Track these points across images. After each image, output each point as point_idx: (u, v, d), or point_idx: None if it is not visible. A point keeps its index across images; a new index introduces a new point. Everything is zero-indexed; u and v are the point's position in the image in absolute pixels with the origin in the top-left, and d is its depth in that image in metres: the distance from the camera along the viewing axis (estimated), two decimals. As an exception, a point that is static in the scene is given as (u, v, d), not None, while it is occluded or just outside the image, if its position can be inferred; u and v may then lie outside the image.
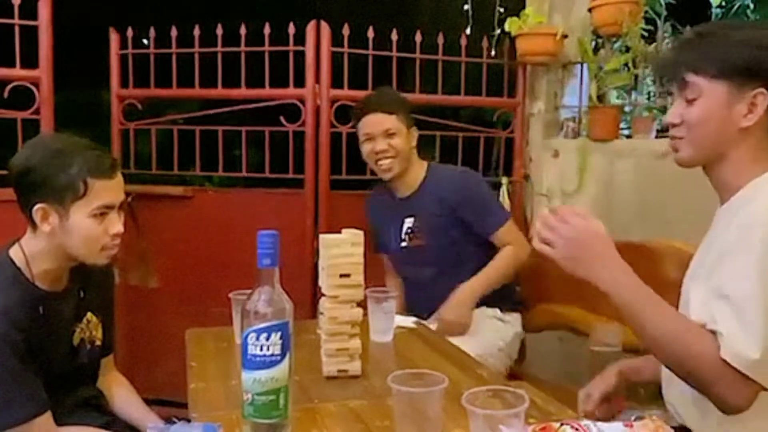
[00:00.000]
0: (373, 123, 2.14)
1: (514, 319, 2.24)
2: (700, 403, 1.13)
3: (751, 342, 1.04)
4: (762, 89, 1.15)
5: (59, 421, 1.38)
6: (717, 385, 1.06)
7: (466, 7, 2.93)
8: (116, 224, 1.39)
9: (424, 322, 1.99)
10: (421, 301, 2.18)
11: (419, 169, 2.22)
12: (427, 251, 2.18)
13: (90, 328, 1.51)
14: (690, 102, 1.20)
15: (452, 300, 2.06)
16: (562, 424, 0.92)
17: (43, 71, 2.46)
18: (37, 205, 1.33)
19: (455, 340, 1.73)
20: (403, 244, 2.22)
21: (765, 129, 1.18)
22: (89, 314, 1.51)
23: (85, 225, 1.35)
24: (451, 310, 2.05)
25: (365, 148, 2.18)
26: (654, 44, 2.54)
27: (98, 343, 1.53)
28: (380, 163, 2.15)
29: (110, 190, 1.37)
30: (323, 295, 1.36)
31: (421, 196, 2.19)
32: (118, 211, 1.40)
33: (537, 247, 1.21)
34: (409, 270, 2.26)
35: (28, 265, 1.38)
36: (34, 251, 1.38)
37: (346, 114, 2.76)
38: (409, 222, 2.20)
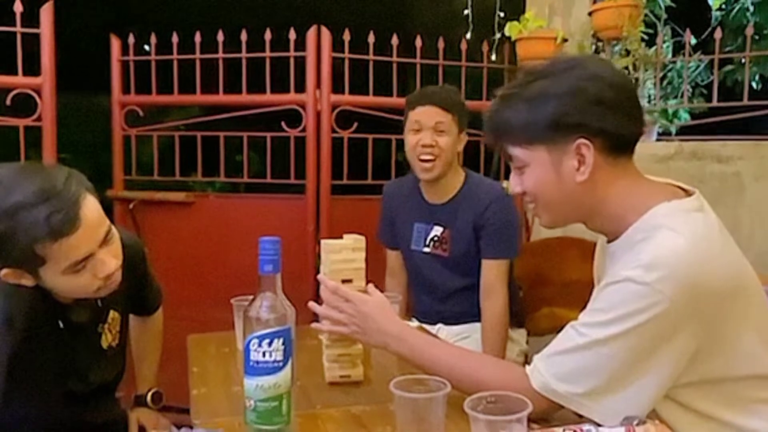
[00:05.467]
0: (425, 114, 1.98)
1: (520, 336, 2.19)
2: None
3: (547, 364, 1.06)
4: (581, 139, 1.05)
5: None
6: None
7: (466, 11, 2.93)
8: (104, 266, 1.20)
9: (426, 326, 1.98)
10: (433, 306, 2.13)
11: (457, 178, 2.06)
12: (450, 261, 2.07)
13: (113, 326, 1.44)
14: (521, 170, 1.13)
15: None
16: (564, 430, 0.92)
17: (45, 79, 2.47)
18: (3, 270, 1.17)
19: None
20: (426, 249, 2.10)
21: (614, 169, 1.08)
22: (112, 312, 1.43)
23: (62, 282, 1.19)
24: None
25: (410, 140, 2.01)
26: (654, 47, 2.55)
27: (116, 341, 1.46)
28: (422, 159, 1.98)
29: (76, 245, 1.15)
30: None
31: (454, 208, 2.05)
32: (103, 247, 1.20)
33: (328, 329, 1.28)
34: (425, 275, 2.13)
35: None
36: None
37: (346, 119, 2.77)
38: (437, 230, 2.07)
